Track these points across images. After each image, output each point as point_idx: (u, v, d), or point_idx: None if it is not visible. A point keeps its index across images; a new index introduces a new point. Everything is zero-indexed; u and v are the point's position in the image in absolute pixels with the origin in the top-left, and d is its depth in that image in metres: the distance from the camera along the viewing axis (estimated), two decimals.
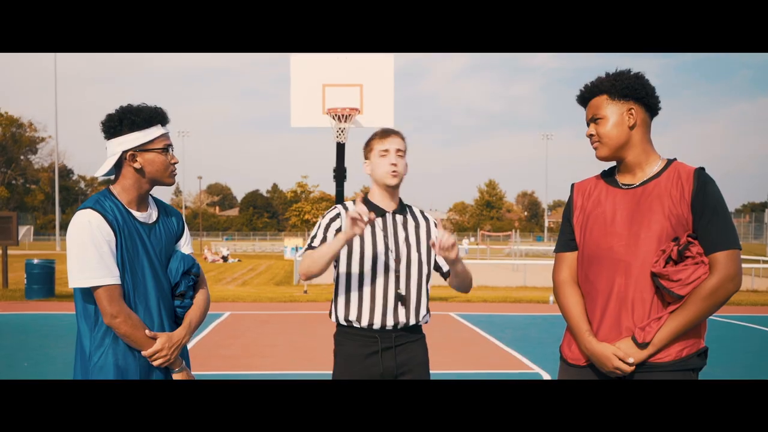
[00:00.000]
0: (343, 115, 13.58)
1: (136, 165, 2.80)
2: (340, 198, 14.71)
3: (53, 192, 69.63)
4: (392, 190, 3.39)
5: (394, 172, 3.33)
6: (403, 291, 3.31)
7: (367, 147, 3.43)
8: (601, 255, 2.71)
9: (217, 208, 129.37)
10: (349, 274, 3.34)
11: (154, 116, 2.83)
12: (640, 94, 2.69)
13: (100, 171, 2.86)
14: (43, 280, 15.89)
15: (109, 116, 2.82)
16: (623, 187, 2.75)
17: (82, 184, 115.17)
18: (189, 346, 9.36)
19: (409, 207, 3.51)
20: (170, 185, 2.94)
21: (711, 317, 9.97)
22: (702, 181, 2.59)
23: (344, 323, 3.35)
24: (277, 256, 45.30)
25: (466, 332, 11.36)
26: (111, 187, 2.88)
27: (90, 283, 2.71)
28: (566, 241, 2.90)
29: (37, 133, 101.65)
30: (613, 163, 2.84)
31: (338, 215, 3.40)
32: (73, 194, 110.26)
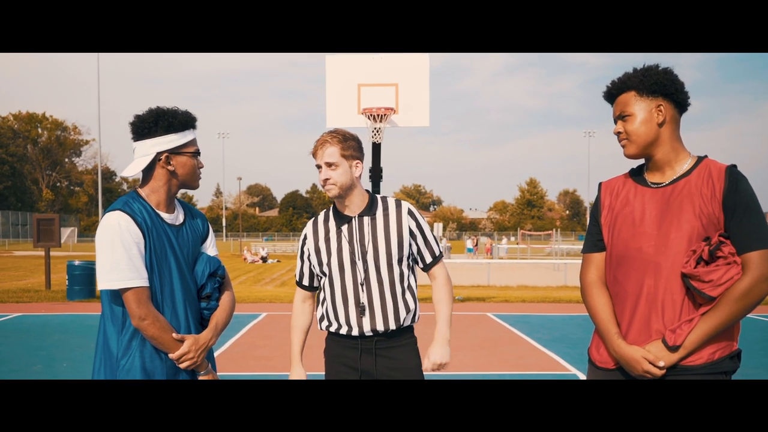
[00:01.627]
0: (378, 115, 13.53)
1: (170, 167, 2.81)
2: None
3: (97, 194, 70.72)
4: (349, 192, 3.29)
5: (328, 187, 3.25)
6: (365, 301, 3.26)
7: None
8: (630, 255, 2.64)
9: (257, 209, 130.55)
10: (325, 286, 3.38)
11: (189, 120, 2.84)
12: (669, 90, 2.61)
13: (130, 171, 2.83)
14: (84, 281, 16.13)
15: (141, 117, 2.80)
16: (652, 185, 2.67)
17: (125, 186, 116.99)
18: (221, 347, 9.43)
19: (383, 199, 3.37)
20: (196, 188, 2.94)
21: (748, 317, 9.64)
22: (734, 178, 2.50)
23: (329, 331, 3.42)
24: None
25: (503, 332, 11.24)
26: (139, 189, 2.86)
27: (119, 285, 2.69)
28: (594, 241, 2.82)
29: (80, 136, 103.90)
30: (642, 161, 2.75)
31: (305, 237, 3.42)
32: (117, 196, 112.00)
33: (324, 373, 3.45)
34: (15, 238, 74.49)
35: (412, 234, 3.33)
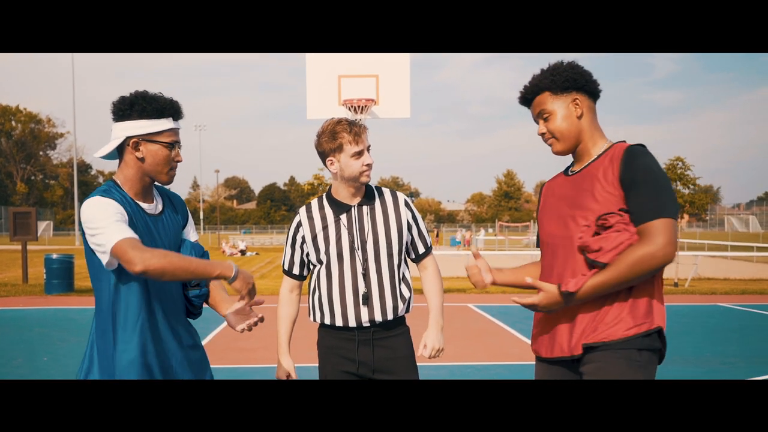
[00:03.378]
0: (359, 106, 13.53)
1: (138, 154, 2.67)
2: None
3: (72, 187, 70.15)
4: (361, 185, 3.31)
5: (368, 172, 3.26)
6: (366, 290, 3.27)
7: (334, 144, 3.23)
8: (545, 241, 2.81)
9: (235, 201, 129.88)
10: (320, 276, 3.35)
11: (166, 108, 2.69)
12: (580, 83, 2.69)
13: (101, 152, 2.73)
14: (62, 275, 15.98)
15: (122, 98, 2.69)
16: (570, 174, 2.78)
17: (101, 179, 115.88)
18: (207, 339, 9.37)
19: (378, 190, 3.39)
20: (166, 184, 2.79)
21: (732, 306, 9.84)
22: (631, 156, 2.56)
23: (322, 323, 3.39)
24: None
25: (484, 323, 11.30)
26: (115, 177, 2.75)
27: (124, 233, 2.50)
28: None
29: (55, 129, 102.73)
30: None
31: (299, 224, 3.38)
32: (93, 189, 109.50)
33: (318, 365, 3.43)
34: None
35: (408, 225, 3.36)
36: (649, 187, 2.50)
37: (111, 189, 2.69)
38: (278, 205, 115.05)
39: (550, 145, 2.77)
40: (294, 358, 3.46)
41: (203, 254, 2.92)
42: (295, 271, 3.45)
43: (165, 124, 2.70)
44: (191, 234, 2.98)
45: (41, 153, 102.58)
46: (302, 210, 3.40)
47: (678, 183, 18.17)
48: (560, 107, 2.70)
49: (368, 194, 3.34)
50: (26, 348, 9.15)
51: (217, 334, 9.78)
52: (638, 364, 2.52)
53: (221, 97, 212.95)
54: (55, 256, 16.22)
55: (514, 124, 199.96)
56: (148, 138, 2.68)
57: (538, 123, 2.79)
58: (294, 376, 3.38)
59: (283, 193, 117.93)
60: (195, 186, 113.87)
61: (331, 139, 3.22)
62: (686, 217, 19.65)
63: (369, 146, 3.26)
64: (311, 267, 3.41)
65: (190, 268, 2.52)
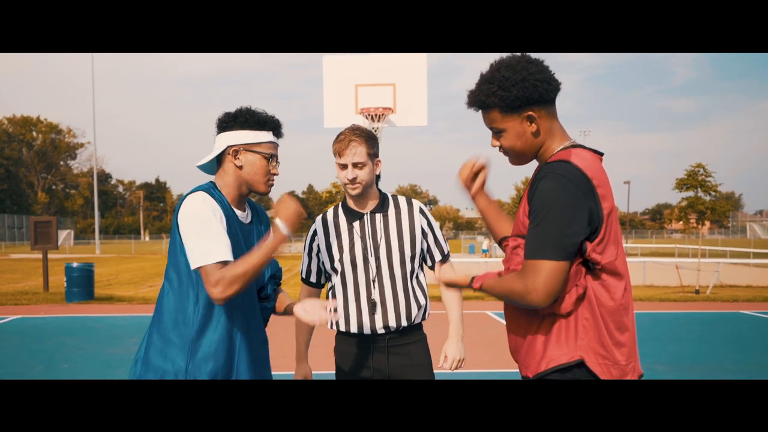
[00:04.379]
0: (376, 115, 13.55)
1: (237, 162, 2.78)
2: None
3: (92, 196, 70.65)
4: (368, 190, 3.29)
5: (353, 186, 3.23)
6: (377, 298, 3.26)
7: (333, 151, 3.27)
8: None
9: None
10: (335, 284, 3.37)
11: (267, 122, 2.82)
12: (533, 98, 2.38)
13: (202, 161, 2.86)
14: (83, 283, 16.08)
15: (227, 113, 2.84)
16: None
17: (120, 188, 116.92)
18: None
19: (393, 197, 3.38)
20: (264, 194, 2.87)
21: (755, 313, 9.70)
22: (538, 176, 2.33)
23: (338, 330, 3.39)
24: None
25: (503, 330, 11.20)
26: (215, 180, 2.84)
27: (228, 256, 2.60)
28: None
29: (75, 139, 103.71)
30: None
31: (315, 233, 3.40)
32: (112, 198, 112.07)
33: (334, 372, 3.43)
34: (11, 241, 74.29)
35: (423, 232, 3.34)
36: (538, 219, 2.27)
37: (212, 189, 2.77)
38: None
39: (508, 158, 2.54)
40: (311, 365, 3.47)
41: (278, 270, 3.02)
42: (313, 279, 3.47)
43: (265, 136, 2.81)
44: None
45: (62, 163, 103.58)
46: (318, 218, 3.41)
47: (699, 190, 17.95)
48: (513, 126, 2.42)
49: (382, 202, 3.34)
50: (46, 356, 9.20)
51: None
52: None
53: (239, 106, 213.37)
54: (75, 264, 16.32)
55: None
56: (248, 148, 2.79)
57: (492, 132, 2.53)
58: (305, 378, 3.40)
59: (301, 202, 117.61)
60: None
61: (333, 147, 3.27)
62: (708, 224, 19.42)
63: (359, 162, 3.19)
64: (328, 276, 3.42)
65: (253, 265, 2.58)
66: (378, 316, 3.26)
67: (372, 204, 3.31)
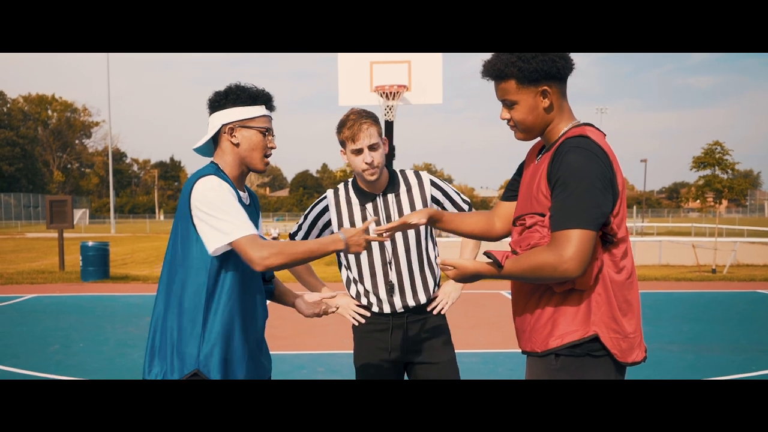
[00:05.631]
0: (391, 93, 13.44)
1: (234, 140, 2.75)
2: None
3: (107, 175, 71.03)
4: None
5: (372, 170, 3.19)
6: (394, 279, 3.27)
7: (340, 137, 3.22)
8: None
9: (268, 189, 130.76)
10: (350, 265, 3.37)
11: (259, 96, 2.79)
12: (551, 72, 2.41)
13: (199, 143, 2.83)
14: (98, 262, 16.17)
15: (216, 92, 2.80)
16: (537, 159, 2.57)
17: (135, 167, 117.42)
18: None
19: (402, 173, 3.35)
20: (261, 171, 2.82)
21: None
22: (562, 151, 2.35)
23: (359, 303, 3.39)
24: None
25: None
26: (216, 161, 2.80)
27: (248, 229, 2.56)
28: (506, 192, 2.81)
29: (90, 118, 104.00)
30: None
31: (326, 208, 3.37)
32: (127, 177, 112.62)
33: (353, 351, 3.44)
34: (27, 219, 74.76)
35: (437, 203, 3.34)
36: (567, 191, 2.29)
37: (219, 171, 2.73)
38: (311, 192, 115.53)
39: (513, 131, 2.56)
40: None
41: None
42: (299, 238, 3.41)
43: (258, 110, 2.78)
44: (260, 228, 3.00)
45: (77, 141, 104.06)
46: (330, 195, 3.38)
47: (717, 168, 17.77)
48: (527, 98, 2.45)
49: (392, 181, 3.31)
50: (62, 334, 9.27)
51: None
52: (553, 368, 2.42)
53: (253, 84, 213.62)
54: (90, 243, 16.40)
55: None
56: (243, 124, 2.76)
57: (502, 105, 2.55)
58: (355, 304, 3.39)
59: (315, 180, 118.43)
60: None
61: (338, 132, 3.22)
62: (725, 202, 19.29)
63: (374, 144, 3.15)
64: (338, 254, 3.37)
65: (307, 254, 2.62)
66: (396, 298, 3.28)
67: (383, 184, 3.28)
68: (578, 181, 2.27)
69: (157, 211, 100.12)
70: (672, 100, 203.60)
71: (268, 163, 2.84)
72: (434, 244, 3.38)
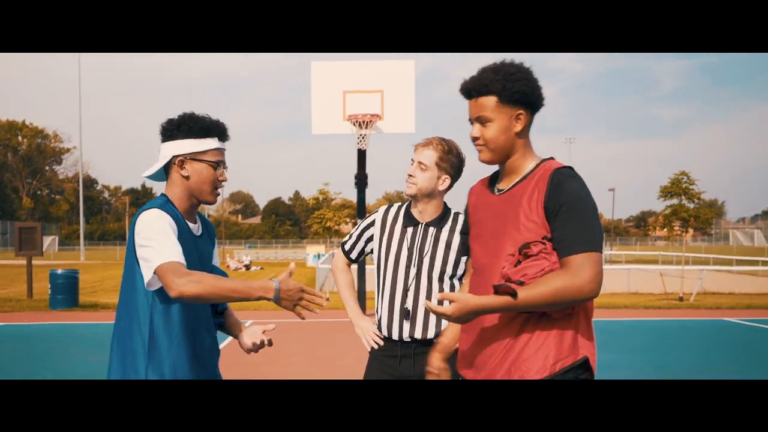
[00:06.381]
0: (364, 122, 13.55)
1: (184, 172, 2.70)
2: (361, 205, 14.66)
3: (78, 202, 70.32)
4: (426, 199, 3.36)
5: (408, 183, 3.36)
6: (410, 306, 3.35)
7: None
8: (476, 266, 2.62)
9: (240, 216, 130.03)
10: (378, 284, 3.48)
11: (211, 128, 2.73)
12: (531, 99, 2.50)
13: (148, 171, 2.78)
14: (67, 290, 15.97)
15: (170, 120, 2.75)
16: (497, 192, 2.59)
17: (106, 194, 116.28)
18: None
19: (455, 215, 3.42)
20: (211, 203, 2.80)
21: (738, 320, 9.73)
22: (556, 180, 2.41)
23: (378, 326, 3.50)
24: (299, 263, 45.25)
25: None
26: (166, 192, 2.77)
27: (171, 256, 2.51)
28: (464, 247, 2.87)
29: (61, 144, 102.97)
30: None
31: (372, 222, 3.52)
32: (98, 204, 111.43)
33: (365, 369, 3.53)
34: None
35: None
36: (576, 216, 2.36)
37: (167, 204, 2.71)
38: (283, 219, 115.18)
39: (479, 151, 2.56)
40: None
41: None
42: (353, 255, 3.63)
43: (210, 143, 2.73)
44: (215, 259, 3.01)
45: (47, 168, 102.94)
46: (381, 210, 3.55)
47: (683, 197, 18.06)
48: (502, 118, 2.48)
49: (443, 215, 3.41)
50: (30, 364, 9.15)
51: (221, 349, 9.74)
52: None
53: (226, 112, 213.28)
54: (60, 271, 16.25)
55: None
56: (194, 157, 2.71)
57: (472, 123, 2.56)
58: (373, 331, 3.49)
59: (288, 208, 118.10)
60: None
61: None
62: (691, 231, 19.56)
63: (422, 164, 3.32)
64: (365, 255, 3.64)
65: (228, 291, 2.52)
66: (407, 325, 3.35)
67: (431, 215, 3.40)
68: (584, 208, 2.37)
69: (127, 238, 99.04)
70: (639, 130, 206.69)
71: (218, 195, 2.82)
72: (460, 284, 3.36)
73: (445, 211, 3.42)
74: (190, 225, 2.78)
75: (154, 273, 2.52)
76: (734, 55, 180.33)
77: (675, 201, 18.40)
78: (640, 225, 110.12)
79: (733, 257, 34.22)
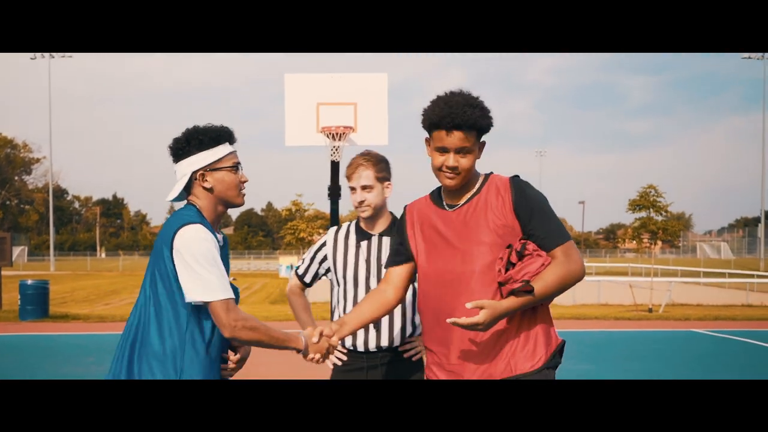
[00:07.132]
0: (337, 134, 13.59)
1: (206, 185, 2.73)
2: (335, 216, 14.67)
3: (47, 212, 69.50)
4: (378, 213, 3.44)
5: (362, 208, 3.41)
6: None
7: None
8: (441, 276, 2.75)
9: None
10: (338, 298, 3.52)
11: (221, 135, 2.77)
12: (488, 130, 2.76)
13: (172, 194, 2.79)
14: (37, 300, 15.79)
15: (176, 139, 2.76)
16: (450, 208, 2.79)
17: (77, 204, 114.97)
18: None
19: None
20: (240, 205, 2.83)
21: (706, 332, 9.92)
22: (519, 187, 2.72)
23: None
24: (272, 274, 45.15)
25: None
26: (193, 203, 2.77)
27: (225, 293, 2.59)
28: (393, 258, 2.98)
29: (31, 154, 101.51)
30: (438, 184, 2.84)
31: (324, 244, 3.58)
32: (68, 214, 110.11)
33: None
34: None
35: None
36: (549, 215, 2.71)
37: (202, 218, 2.72)
38: (255, 230, 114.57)
39: (449, 178, 2.72)
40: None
41: (237, 289, 2.92)
42: (307, 279, 3.68)
43: (223, 150, 2.77)
44: (228, 270, 3.00)
45: (16, 178, 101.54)
46: (331, 231, 3.59)
47: (651, 210, 18.30)
48: (476, 148, 2.73)
49: (392, 224, 3.44)
50: (0, 375, 9.06)
51: None
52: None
53: (199, 123, 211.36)
54: (29, 281, 16.07)
55: (488, 153, 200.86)
56: (213, 167, 2.74)
57: (444, 152, 2.70)
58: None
59: (260, 219, 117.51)
60: (172, 212, 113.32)
61: (345, 171, 3.46)
62: (659, 243, 19.85)
63: (366, 185, 3.35)
64: (332, 286, 3.59)
65: (272, 340, 2.72)
66: (372, 336, 3.39)
67: (382, 226, 3.47)
68: (549, 207, 2.74)
69: (98, 248, 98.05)
70: (609, 143, 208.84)
71: (244, 197, 2.85)
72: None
73: (393, 219, 3.48)
74: (217, 236, 2.77)
75: (207, 306, 2.60)
76: (702, 71, 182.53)
77: (643, 214, 18.61)
78: (610, 237, 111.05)
79: (701, 269, 34.66)
